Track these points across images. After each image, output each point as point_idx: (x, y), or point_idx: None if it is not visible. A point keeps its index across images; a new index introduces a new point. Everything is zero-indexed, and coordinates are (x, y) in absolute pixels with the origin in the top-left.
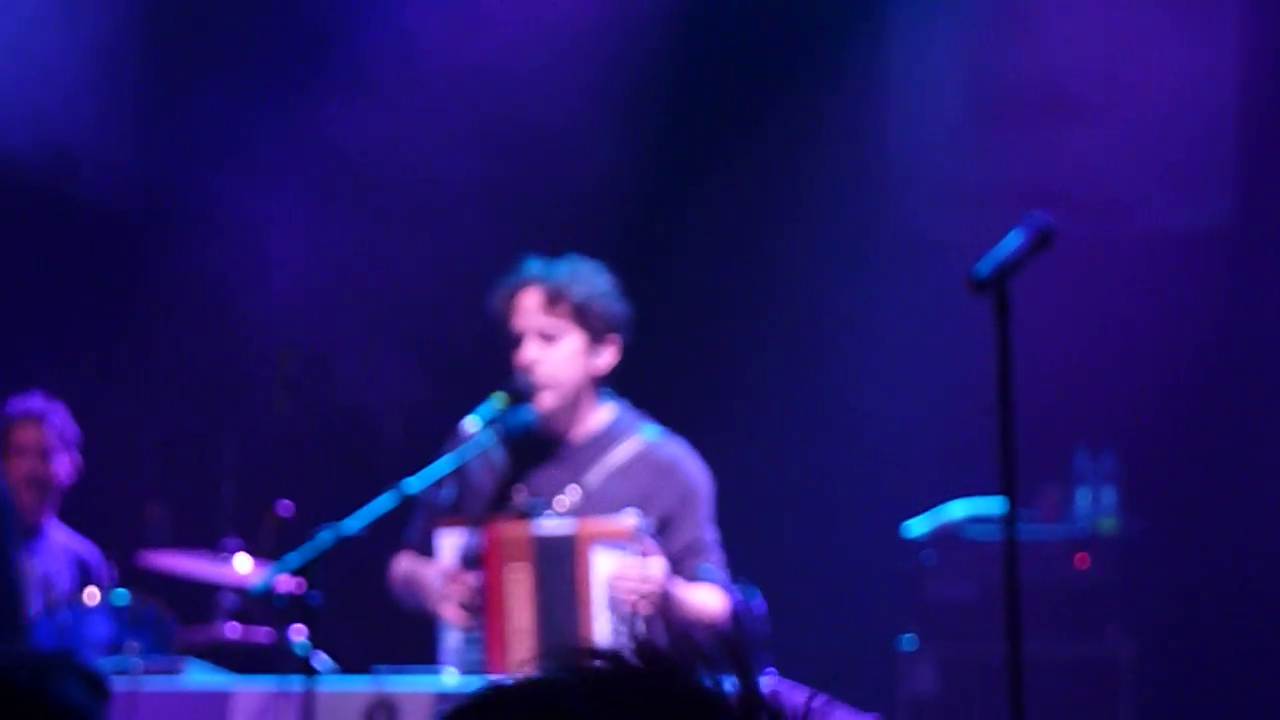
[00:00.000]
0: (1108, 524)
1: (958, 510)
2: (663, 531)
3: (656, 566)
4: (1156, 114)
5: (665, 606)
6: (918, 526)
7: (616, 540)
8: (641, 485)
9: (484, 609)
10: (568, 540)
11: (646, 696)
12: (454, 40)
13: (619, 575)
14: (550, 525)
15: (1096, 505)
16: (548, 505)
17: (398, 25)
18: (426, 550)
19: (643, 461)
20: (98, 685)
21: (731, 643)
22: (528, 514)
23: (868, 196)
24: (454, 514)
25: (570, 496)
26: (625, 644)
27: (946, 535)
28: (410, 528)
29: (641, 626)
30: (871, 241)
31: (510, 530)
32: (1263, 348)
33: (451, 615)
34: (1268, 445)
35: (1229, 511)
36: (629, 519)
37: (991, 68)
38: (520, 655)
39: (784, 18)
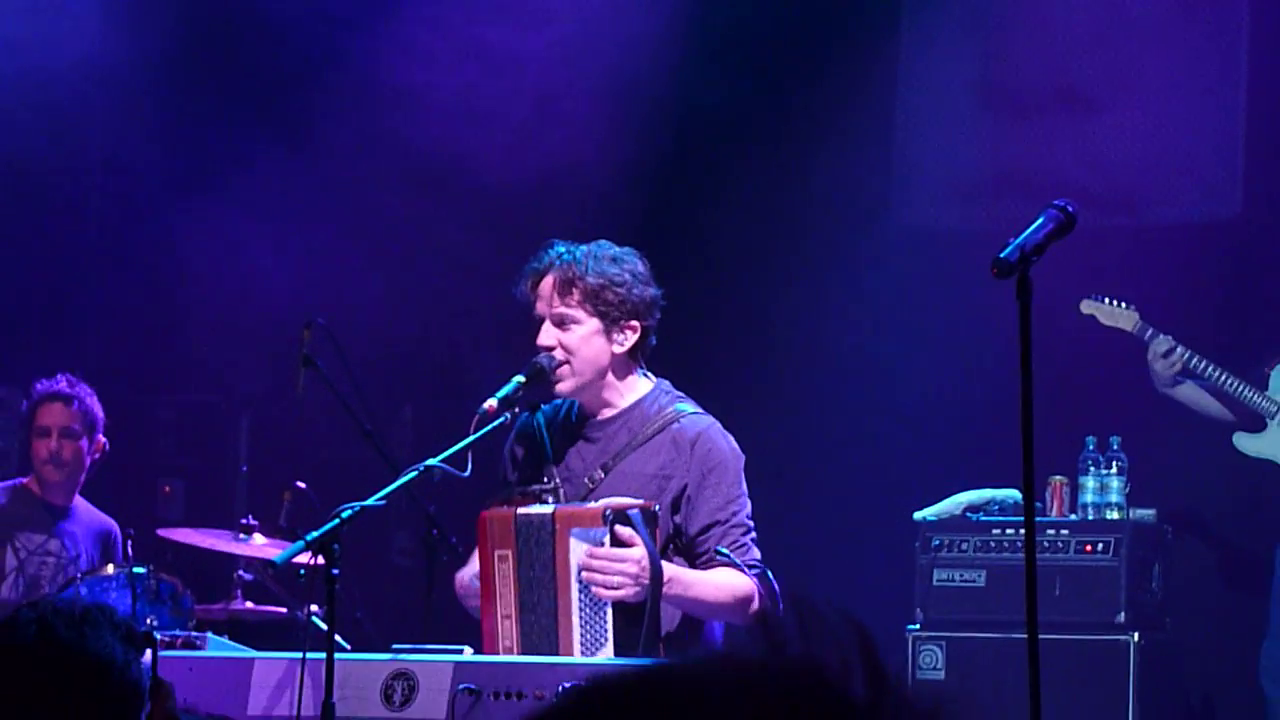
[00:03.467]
0: (1114, 513)
1: (967, 497)
2: (684, 508)
3: (634, 554)
4: (1166, 108)
5: (656, 594)
6: (928, 513)
7: (588, 526)
8: (661, 460)
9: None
10: (544, 524)
11: (776, 690)
12: (457, 45)
13: (586, 563)
14: (532, 509)
15: (1103, 494)
16: (569, 484)
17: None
18: None
19: (666, 436)
20: (134, 639)
21: (855, 629)
22: (537, 497)
23: (879, 187)
24: (508, 493)
25: (596, 474)
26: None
27: (955, 521)
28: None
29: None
30: (882, 231)
31: (496, 513)
32: (1268, 340)
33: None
34: None
35: (1235, 500)
36: (600, 504)
37: (1002, 59)
38: (506, 641)
39: (795, 8)
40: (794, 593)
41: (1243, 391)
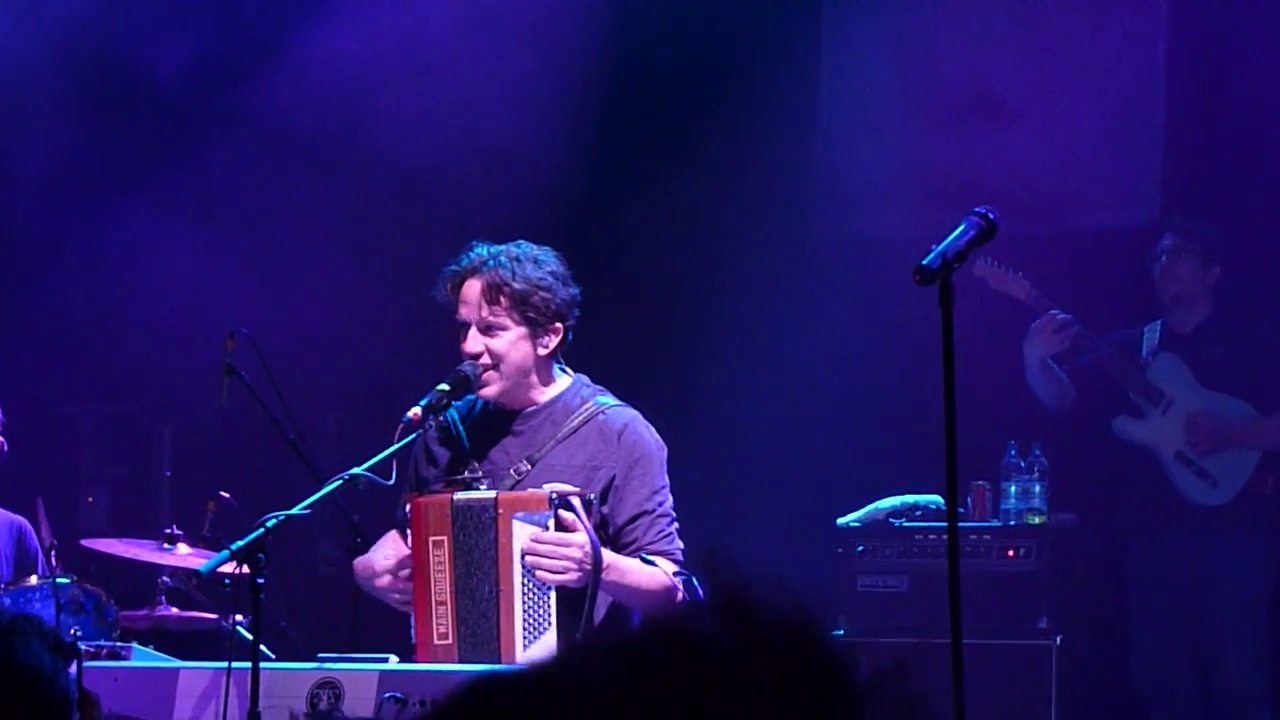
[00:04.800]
0: (1036, 518)
1: (890, 502)
2: (611, 498)
3: (578, 539)
4: (1085, 114)
5: (597, 580)
6: (850, 518)
7: (533, 511)
8: (589, 451)
9: (411, 580)
10: (486, 509)
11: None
12: (384, 47)
13: (531, 547)
14: (475, 494)
15: (1025, 500)
16: (489, 478)
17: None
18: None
19: (592, 427)
20: (62, 649)
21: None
22: (468, 485)
23: (801, 193)
24: (421, 489)
25: (522, 467)
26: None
27: (878, 527)
28: (398, 509)
29: (560, 597)
30: (805, 237)
31: (431, 499)
32: None
33: (399, 603)
34: None
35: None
36: (546, 489)
37: (923, 67)
38: (441, 627)
39: (718, 18)
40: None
41: (1133, 376)
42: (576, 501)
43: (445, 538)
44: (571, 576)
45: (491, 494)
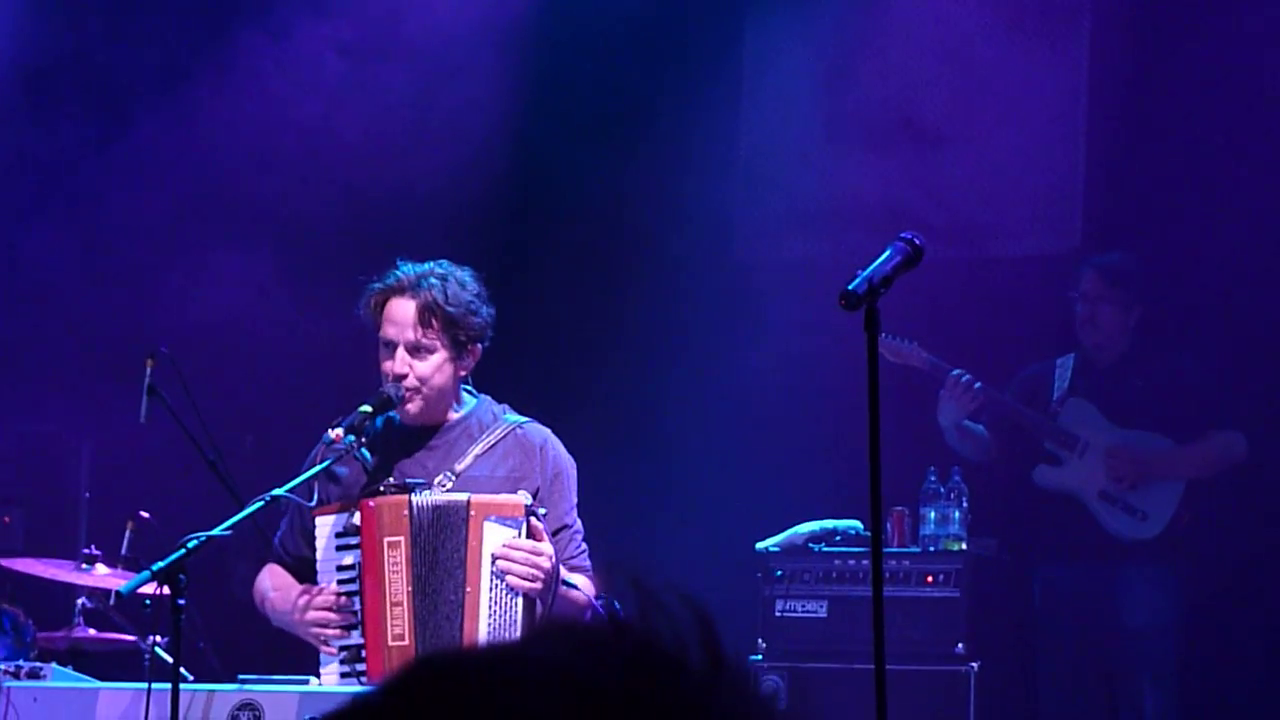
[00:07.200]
0: (955, 544)
1: (809, 527)
2: None
3: (547, 549)
4: (1008, 142)
5: (554, 593)
6: (769, 543)
7: (507, 516)
8: (510, 464)
9: (360, 583)
10: (457, 509)
11: (612, 661)
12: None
13: (505, 552)
14: (439, 496)
15: (944, 525)
16: (426, 485)
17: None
18: (291, 560)
19: (512, 442)
20: None
21: (693, 607)
22: (406, 490)
23: (724, 218)
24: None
25: (444, 481)
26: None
27: (797, 552)
28: (278, 536)
29: (526, 604)
30: (728, 261)
31: (385, 500)
32: None
33: (317, 635)
34: None
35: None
36: (521, 497)
37: (846, 93)
38: (396, 628)
39: (640, 42)
40: (634, 575)
41: (1045, 426)
42: (542, 512)
43: (403, 538)
44: (538, 586)
45: (464, 496)
